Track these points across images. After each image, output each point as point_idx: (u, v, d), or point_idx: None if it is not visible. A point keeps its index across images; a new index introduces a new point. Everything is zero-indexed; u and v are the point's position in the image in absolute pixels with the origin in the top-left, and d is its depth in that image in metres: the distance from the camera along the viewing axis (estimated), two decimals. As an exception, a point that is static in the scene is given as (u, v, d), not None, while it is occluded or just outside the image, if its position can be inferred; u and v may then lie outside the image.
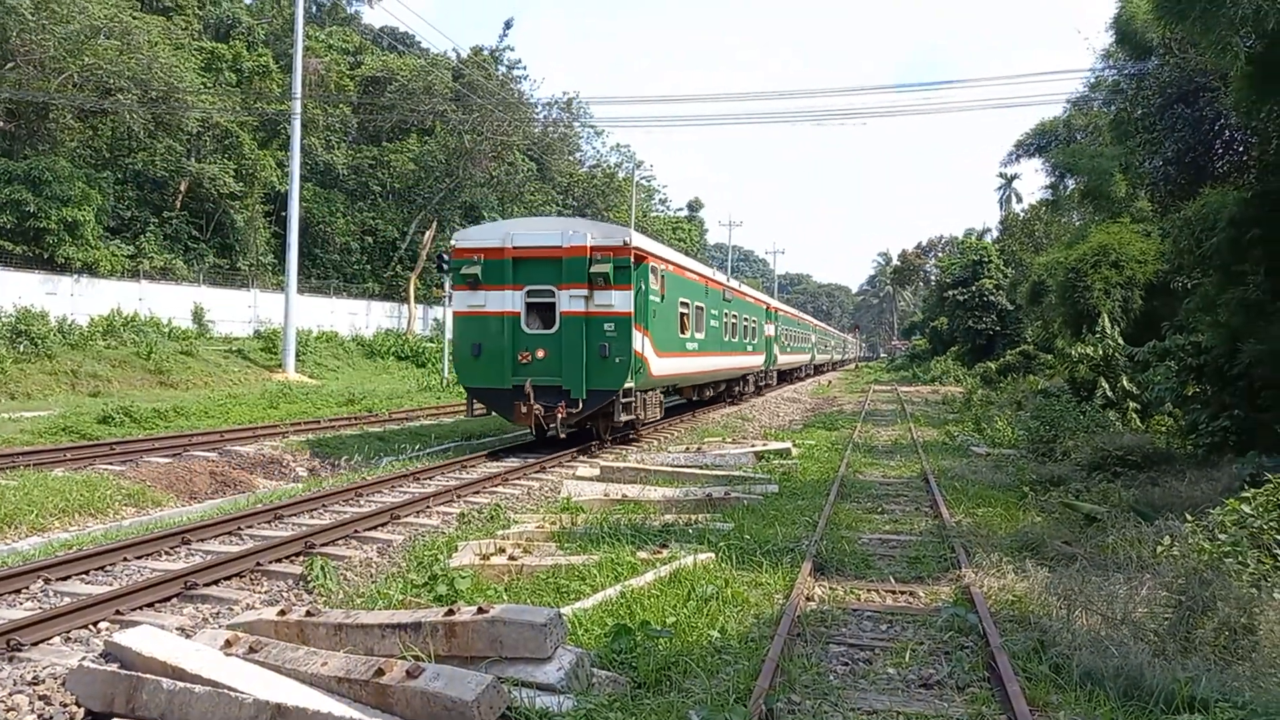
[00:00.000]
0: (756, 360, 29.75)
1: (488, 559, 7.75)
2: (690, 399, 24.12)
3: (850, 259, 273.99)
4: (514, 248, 15.20)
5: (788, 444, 16.28)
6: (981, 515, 10.41)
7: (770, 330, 33.09)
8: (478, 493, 11.96)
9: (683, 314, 18.93)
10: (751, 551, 8.27)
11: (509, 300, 15.20)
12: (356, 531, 9.41)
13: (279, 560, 8.22)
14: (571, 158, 71.22)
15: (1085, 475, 12.19)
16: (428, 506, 10.83)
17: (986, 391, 30.27)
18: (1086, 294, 21.05)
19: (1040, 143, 35.36)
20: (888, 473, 14.27)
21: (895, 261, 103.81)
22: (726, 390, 27.77)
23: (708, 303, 21.85)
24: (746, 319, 27.95)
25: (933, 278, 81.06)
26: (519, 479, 13.09)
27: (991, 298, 49.58)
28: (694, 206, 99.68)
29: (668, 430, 20.08)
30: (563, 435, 15.20)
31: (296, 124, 30.53)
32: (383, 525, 9.86)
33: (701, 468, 13.85)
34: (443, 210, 50.93)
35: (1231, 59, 9.32)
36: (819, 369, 59.49)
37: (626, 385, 15.18)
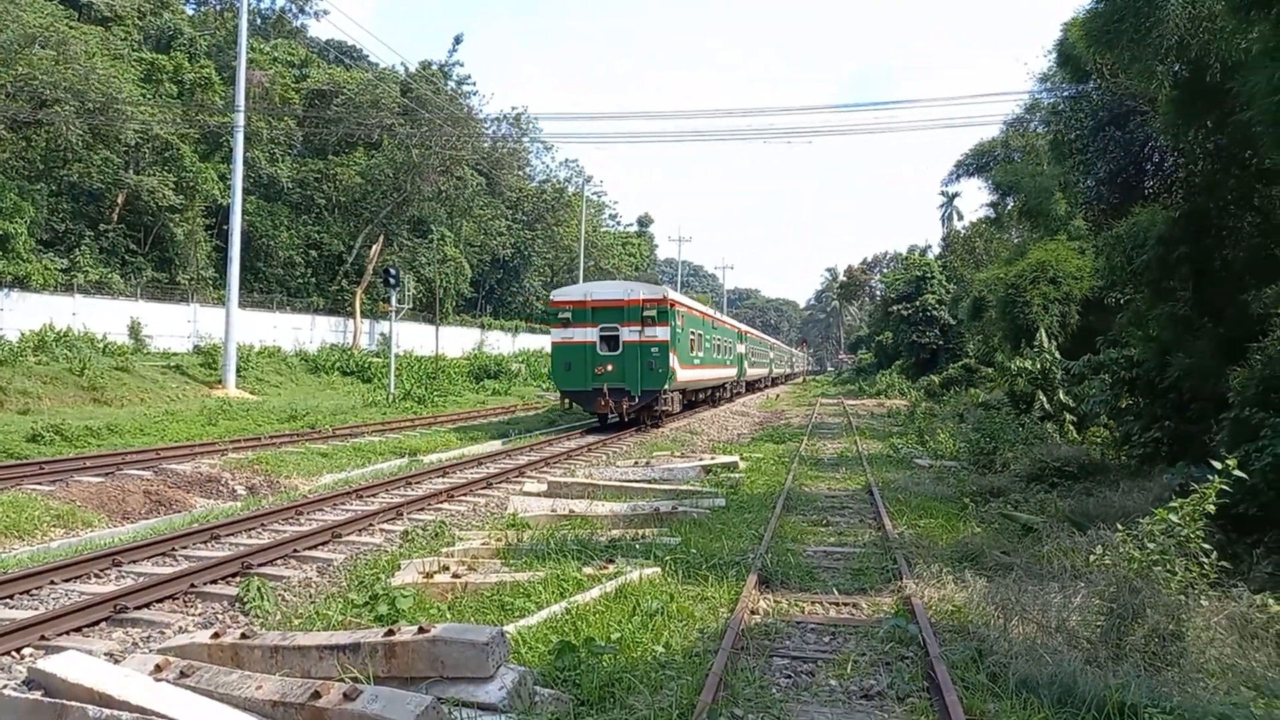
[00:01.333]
0: (732, 372, 37.89)
1: (431, 577, 7.65)
2: (690, 401, 30.30)
3: (798, 274, 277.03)
4: (592, 300, 24.69)
5: (735, 458, 16.38)
6: (923, 526, 10.56)
7: (741, 349, 41.39)
8: (423, 509, 11.81)
9: (691, 339, 27.88)
10: (698, 565, 8.29)
11: (589, 334, 24.39)
12: (296, 551, 9.21)
13: (214, 581, 7.99)
14: (521, 172, 71.16)
15: (1024, 486, 12.40)
16: (371, 524, 10.65)
17: (930, 404, 30.75)
18: (1025, 309, 21.62)
19: (979, 162, 36.29)
20: (833, 485, 14.47)
21: (842, 277, 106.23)
22: (712, 395, 34.47)
23: (704, 330, 30.47)
24: (725, 340, 36.07)
25: (878, 293, 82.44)
26: (465, 495, 13.03)
27: (934, 313, 50.58)
28: (644, 222, 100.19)
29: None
30: (626, 420, 24.64)
31: (239, 136, 29.99)
32: (323, 544, 9.67)
33: (650, 482, 13.92)
34: (390, 224, 50.54)
35: (1158, 86, 9.65)
36: (774, 380, 65.71)
37: (665, 387, 24.23)
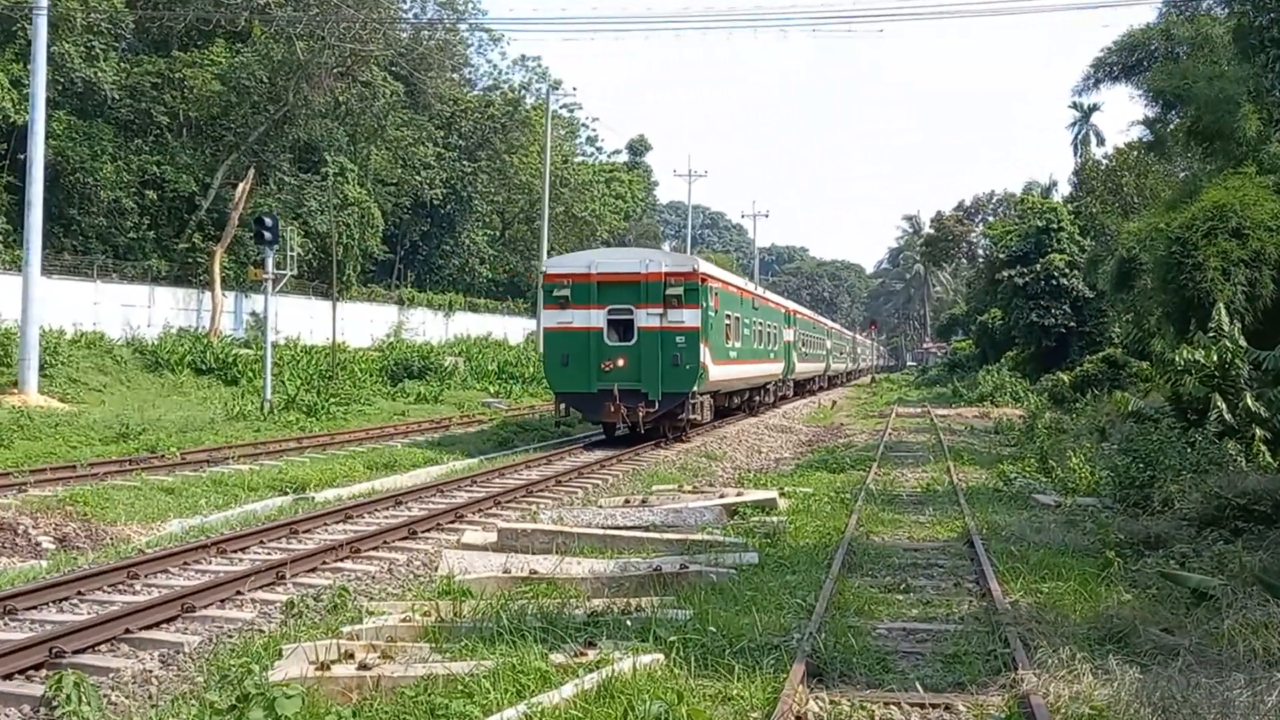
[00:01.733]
0: (776, 368, 40.16)
1: (328, 668, 7.72)
2: (722, 407, 32.00)
3: (864, 228, 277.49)
4: (599, 273, 26.29)
5: (773, 493, 16.68)
6: (1047, 592, 10.78)
7: (789, 335, 43.39)
8: (315, 570, 12.03)
9: (727, 325, 29.32)
10: (719, 651, 8.47)
11: (594, 317, 25.93)
12: (129, 631, 9.34)
13: (8, 677, 8.11)
14: (456, 76, 71.06)
15: (1194, 533, 12.60)
16: (238, 592, 10.77)
17: (1057, 414, 31.03)
18: (1197, 275, 21.59)
19: (1128, 61, 36.26)
20: (916, 533, 14.70)
21: (927, 229, 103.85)
22: (749, 400, 36.81)
23: (742, 312, 32.19)
24: (769, 325, 38.35)
25: (980, 253, 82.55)
26: (377, 549, 13.24)
27: (1063, 280, 50.77)
28: (637, 149, 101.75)
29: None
30: (644, 430, 26.34)
31: (41, 23, 30.02)
32: (169, 621, 9.83)
33: (646, 529, 14.18)
34: (264, 152, 50.37)
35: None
36: (832, 380, 68.31)
37: (694, 388, 25.76)
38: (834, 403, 49.34)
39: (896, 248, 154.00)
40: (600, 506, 16.02)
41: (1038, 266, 52.46)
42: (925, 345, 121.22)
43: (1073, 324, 51.06)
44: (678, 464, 22.36)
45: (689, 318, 26.34)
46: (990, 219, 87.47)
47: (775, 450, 27.37)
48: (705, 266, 27.78)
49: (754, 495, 16.43)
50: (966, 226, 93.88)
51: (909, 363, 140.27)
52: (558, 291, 26.52)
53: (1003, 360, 58.12)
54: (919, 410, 44.50)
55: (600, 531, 13.53)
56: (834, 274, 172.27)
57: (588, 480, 19.82)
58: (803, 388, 54.15)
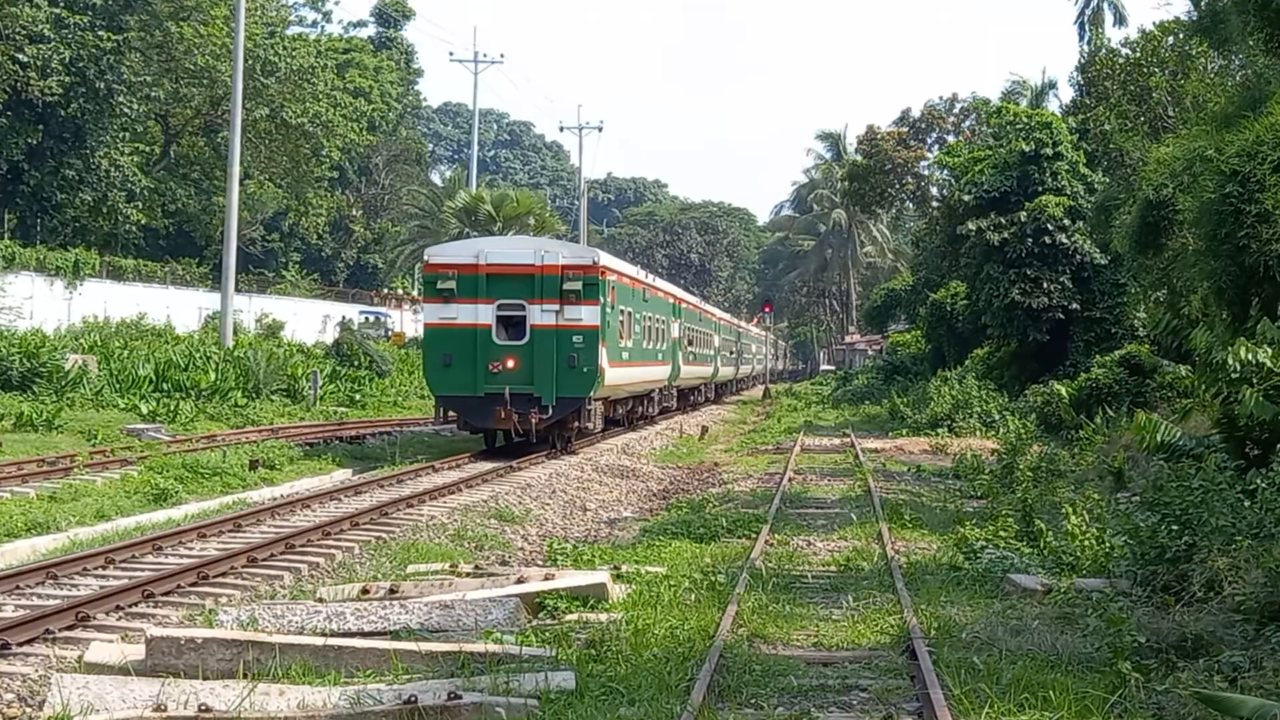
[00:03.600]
0: (663, 373, 42.07)
1: None
2: (610, 416, 35.86)
3: (756, 154, 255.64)
4: (488, 264, 28.32)
5: (601, 574, 14.97)
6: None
7: (675, 331, 45.22)
8: None
9: (621, 322, 32.24)
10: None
11: (481, 313, 27.91)
12: None
13: None
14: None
15: (1252, 633, 11.35)
16: None
17: (1049, 448, 28.06)
18: (1264, 231, 17.45)
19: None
20: (828, 637, 13.12)
21: (852, 155, 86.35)
22: (630, 412, 39.41)
23: (634, 306, 35.14)
24: (658, 319, 40.84)
25: (934, 191, 69.21)
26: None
27: (1060, 237, 43.09)
28: (390, 17, 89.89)
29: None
30: (535, 439, 28.91)
31: None
32: None
33: (396, 634, 12.42)
34: None
35: None
36: (720, 389, 67.08)
37: (590, 394, 28.65)
38: (704, 429, 44.46)
39: (805, 184, 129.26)
40: (321, 601, 14.13)
41: (1022, 215, 43.07)
42: (849, 339, 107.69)
43: (1074, 306, 42.51)
44: (454, 529, 20.87)
45: (587, 315, 28.28)
46: (950, 139, 71.39)
47: (608, 503, 26.30)
48: (606, 259, 31.25)
49: (571, 579, 14.70)
50: (914, 151, 71.69)
51: (823, 366, 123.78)
52: (441, 284, 28.38)
53: (968, 362, 50.16)
54: (838, 441, 39.66)
55: (319, 641, 11.71)
56: (707, 223, 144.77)
57: (303, 556, 17.30)
58: (686, 398, 55.65)
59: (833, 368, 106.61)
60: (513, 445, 30.35)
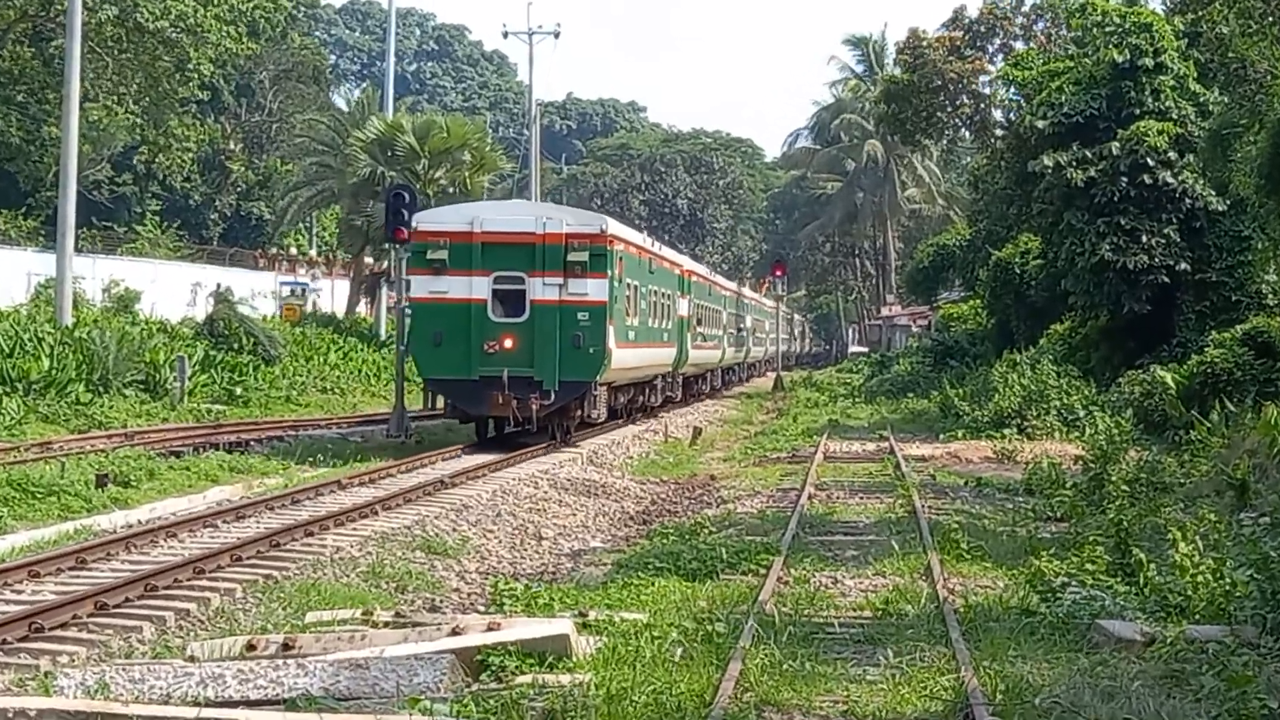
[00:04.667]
0: (668, 357, 46.01)
1: None
2: (610, 404, 38.03)
3: (760, 68, 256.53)
4: (483, 231, 32.25)
5: (563, 623, 14.79)
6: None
7: (683, 309, 49.37)
8: None
9: (627, 298, 36.15)
10: None
11: (476, 287, 31.76)
12: None
13: None
14: None
15: None
16: None
17: (1151, 453, 27.99)
18: None
19: None
20: (860, 703, 12.75)
21: (890, 66, 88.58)
22: (632, 399, 42.99)
23: (640, 279, 38.69)
24: (664, 294, 44.58)
25: (997, 117, 68.77)
26: None
27: (1165, 177, 43.05)
28: None
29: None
30: (535, 428, 33.91)
31: None
32: None
33: (289, 703, 12.12)
34: None
35: None
36: (726, 374, 70.96)
37: (596, 377, 32.98)
38: (697, 431, 44.70)
39: (829, 106, 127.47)
40: (193, 659, 13.89)
41: (1114, 147, 43.01)
42: (886, 312, 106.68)
43: (1183, 266, 42.46)
44: (370, 567, 20.29)
45: (594, 290, 31.42)
46: (1018, 46, 70.23)
47: (576, 526, 26.25)
48: (614, 226, 34.75)
49: (523, 629, 14.46)
50: (971, 62, 70.44)
51: (853, 347, 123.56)
52: (432, 253, 31.34)
53: (1043, 342, 50.11)
54: (872, 446, 39.48)
55: (190, 713, 11.43)
56: (698, 159, 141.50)
57: (168, 600, 16.86)
58: (690, 386, 59.86)
59: (865, 350, 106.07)
60: (491, 440, 33.71)
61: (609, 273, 32.11)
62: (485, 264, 31.24)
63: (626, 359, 36.30)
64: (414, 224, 33.60)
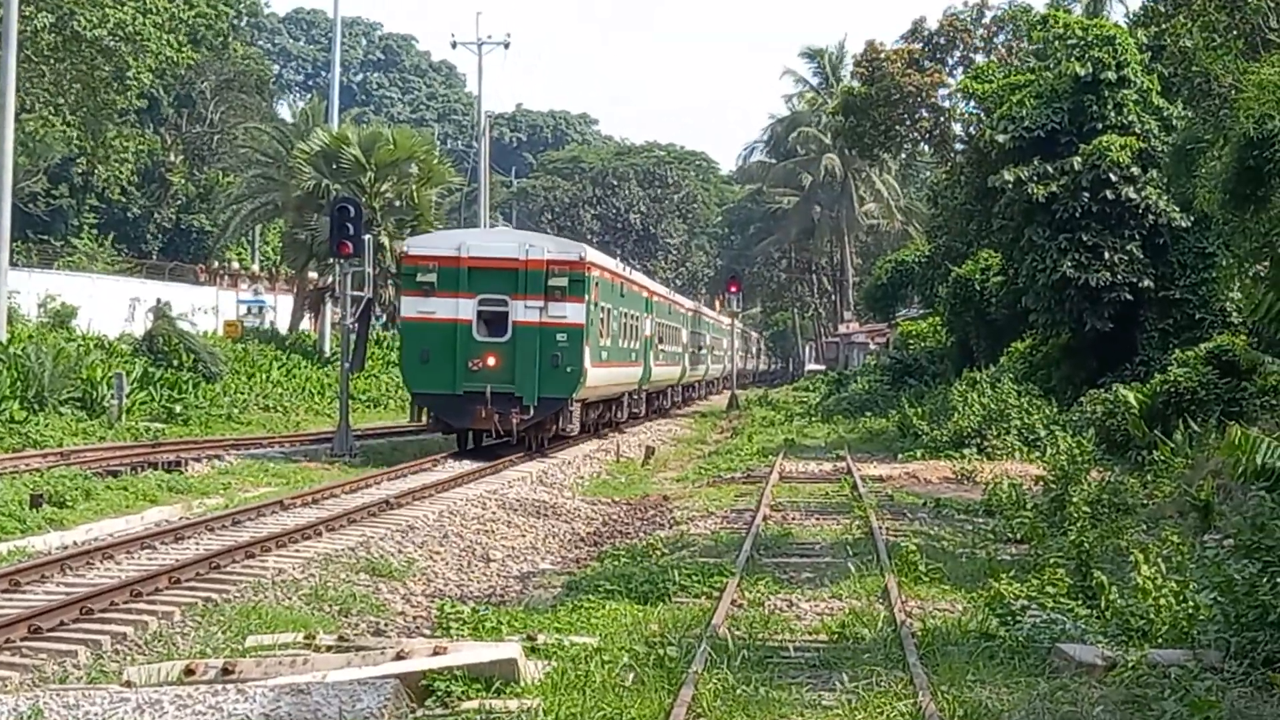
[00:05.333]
0: (635, 375, 49.31)
1: None
2: (584, 420, 41.23)
3: (714, 80, 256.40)
4: (470, 257, 36.28)
5: (511, 647, 14.61)
6: None
7: (648, 328, 52.53)
8: None
9: (601, 320, 40.78)
10: None
11: (462, 308, 35.89)
12: None
13: None
14: None
15: None
16: None
17: (1111, 473, 28.15)
18: None
19: None
20: None
21: (848, 78, 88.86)
22: (601, 415, 46.12)
23: (613, 302, 43.05)
24: (632, 315, 47.84)
25: (957, 131, 70.54)
26: None
27: (1127, 192, 42.81)
28: None
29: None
30: (515, 440, 38.21)
31: None
32: None
33: None
34: None
35: None
36: (686, 391, 74.11)
37: (572, 394, 37.19)
38: (649, 450, 44.92)
39: (784, 119, 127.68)
40: (130, 685, 13.57)
41: (1076, 162, 42.79)
42: (844, 329, 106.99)
43: (1146, 283, 42.38)
44: (309, 588, 19.95)
45: (572, 313, 35.01)
46: (978, 59, 71.38)
47: (523, 546, 25.51)
48: (591, 254, 38.45)
49: (470, 653, 14.22)
50: (930, 75, 72.77)
51: (810, 365, 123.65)
52: (421, 276, 34.86)
53: (1003, 360, 50.44)
54: (829, 466, 39.44)
55: None
56: (652, 172, 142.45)
57: (104, 624, 16.66)
58: (652, 403, 62.86)
59: (822, 368, 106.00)
60: (475, 449, 36.90)
61: (586, 297, 35.89)
62: (471, 287, 34.85)
63: (600, 377, 40.32)
64: (405, 248, 38.62)
